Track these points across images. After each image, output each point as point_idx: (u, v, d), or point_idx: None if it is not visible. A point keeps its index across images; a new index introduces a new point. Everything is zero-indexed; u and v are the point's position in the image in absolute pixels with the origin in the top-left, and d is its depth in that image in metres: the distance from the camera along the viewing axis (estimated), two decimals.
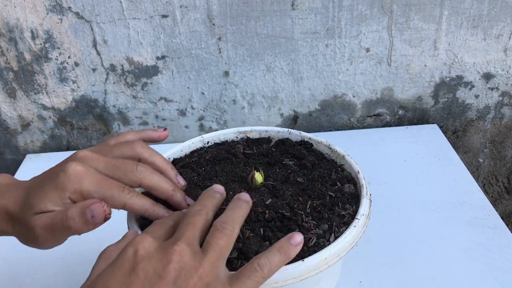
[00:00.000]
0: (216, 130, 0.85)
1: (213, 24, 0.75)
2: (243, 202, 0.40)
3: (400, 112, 0.86)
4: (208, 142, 0.58)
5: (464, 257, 0.56)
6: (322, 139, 0.54)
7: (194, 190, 0.47)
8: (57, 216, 0.37)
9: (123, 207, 0.40)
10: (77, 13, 0.73)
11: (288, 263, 0.38)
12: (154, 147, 0.85)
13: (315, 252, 0.39)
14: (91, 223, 0.37)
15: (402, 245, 0.58)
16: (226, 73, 0.79)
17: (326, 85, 0.82)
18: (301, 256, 0.39)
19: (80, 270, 0.58)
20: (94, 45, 0.76)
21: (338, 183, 0.48)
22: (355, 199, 0.46)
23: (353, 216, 0.43)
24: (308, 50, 0.78)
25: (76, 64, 0.78)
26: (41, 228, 0.38)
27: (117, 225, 0.65)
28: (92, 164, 0.40)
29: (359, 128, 0.87)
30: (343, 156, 0.51)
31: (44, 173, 0.42)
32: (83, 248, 0.62)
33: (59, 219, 0.37)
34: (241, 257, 0.39)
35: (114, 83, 0.80)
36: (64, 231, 0.37)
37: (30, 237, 0.39)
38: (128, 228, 0.44)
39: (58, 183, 0.38)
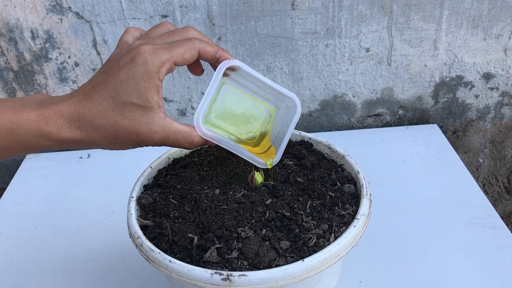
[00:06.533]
0: None
1: (213, 24, 0.75)
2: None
3: (400, 112, 0.86)
4: None
5: (464, 257, 0.56)
6: (322, 139, 0.54)
7: (193, 191, 0.47)
8: (184, 139, 0.42)
9: (216, 51, 0.42)
10: (77, 13, 0.73)
11: (288, 263, 0.38)
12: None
13: (315, 252, 0.39)
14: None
15: (402, 245, 0.58)
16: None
17: (326, 85, 0.82)
18: (301, 256, 0.39)
19: (80, 270, 0.58)
20: (94, 45, 0.76)
21: (338, 183, 0.48)
22: (355, 199, 0.46)
23: (353, 216, 0.43)
24: (308, 50, 0.78)
25: (76, 64, 0.78)
26: (156, 140, 0.40)
27: (117, 226, 0.65)
28: (153, 41, 0.41)
29: (359, 128, 0.87)
30: (343, 156, 0.51)
31: (104, 72, 0.40)
32: (83, 248, 0.62)
33: (184, 141, 0.42)
34: (241, 257, 0.39)
35: None
36: (174, 146, 0.42)
37: (120, 139, 0.40)
38: (129, 228, 0.44)
39: (142, 70, 0.38)
